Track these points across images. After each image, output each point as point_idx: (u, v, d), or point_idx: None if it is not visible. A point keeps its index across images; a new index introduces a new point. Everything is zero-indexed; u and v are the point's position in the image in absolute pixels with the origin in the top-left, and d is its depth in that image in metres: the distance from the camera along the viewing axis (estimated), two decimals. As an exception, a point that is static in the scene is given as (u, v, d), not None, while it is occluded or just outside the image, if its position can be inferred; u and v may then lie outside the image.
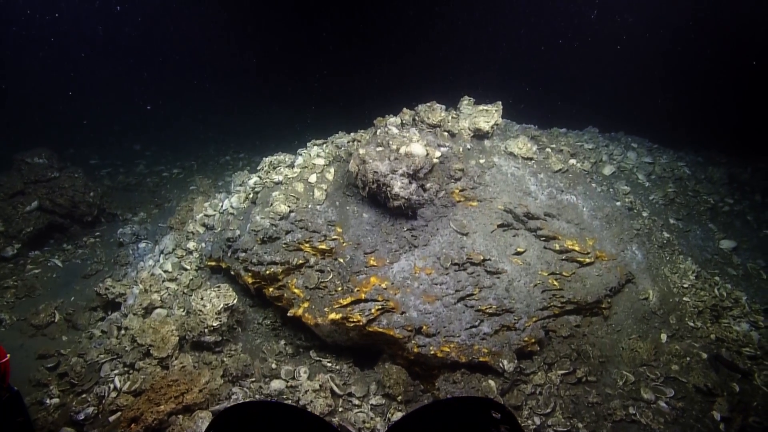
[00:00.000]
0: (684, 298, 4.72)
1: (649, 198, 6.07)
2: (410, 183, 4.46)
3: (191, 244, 5.48)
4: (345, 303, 4.37)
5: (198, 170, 10.10)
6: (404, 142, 4.55)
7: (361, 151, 4.55)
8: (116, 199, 8.06)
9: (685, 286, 4.81)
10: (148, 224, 7.01)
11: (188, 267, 5.28)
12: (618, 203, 5.55)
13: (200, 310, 4.39)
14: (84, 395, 3.80)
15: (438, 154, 4.63)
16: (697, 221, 6.04)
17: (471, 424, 1.38)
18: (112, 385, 3.82)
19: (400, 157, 4.43)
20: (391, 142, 4.56)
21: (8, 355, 2.74)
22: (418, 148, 4.46)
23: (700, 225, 5.98)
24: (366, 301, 4.38)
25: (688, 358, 4.21)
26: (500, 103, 5.50)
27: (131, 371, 3.99)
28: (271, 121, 14.43)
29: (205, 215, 5.63)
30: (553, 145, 6.05)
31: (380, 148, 4.56)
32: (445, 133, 5.18)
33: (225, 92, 17.10)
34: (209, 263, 5.35)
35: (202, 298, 4.46)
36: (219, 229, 5.33)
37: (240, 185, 5.88)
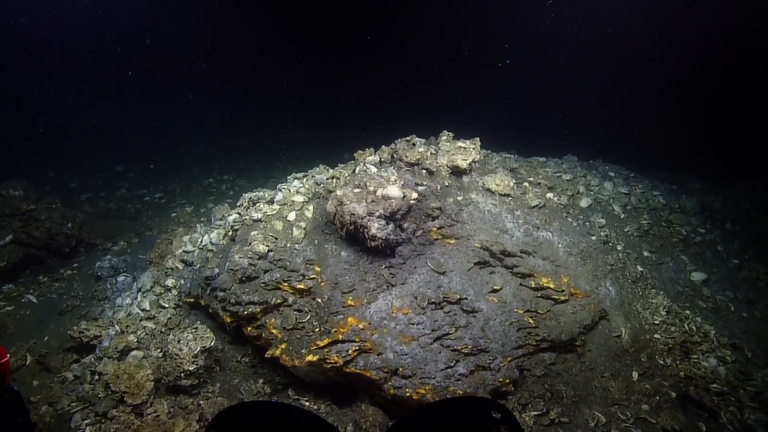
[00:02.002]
0: (655, 335, 4.84)
1: (624, 230, 6.22)
2: (387, 224, 4.52)
3: (170, 281, 5.45)
4: (322, 345, 4.39)
5: (181, 194, 10.04)
6: (382, 184, 4.62)
7: (339, 192, 4.60)
8: (96, 226, 7.96)
9: (656, 322, 4.93)
10: (127, 255, 6.94)
11: (167, 305, 5.24)
12: (593, 237, 5.68)
13: (177, 354, 4.36)
14: (53, 448, 3.73)
15: (415, 195, 4.70)
16: (670, 253, 6.21)
17: (471, 424, 1.39)
18: (82, 437, 3.76)
19: (377, 200, 4.50)
20: (368, 183, 4.63)
21: (8, 355, 2.73)
22: (395, 191, 4.53)
23: (673, 257, 6.15)
24: (343, 342, 4.40)
25: (657, 397, 4.31)
26: (478, 139, 5.61)
27: (103, 420, 3.93)
28: (256, 141, 14.46)
29: (185, 251, 5.61)
30: (531, 179, 6.18)
31: (358, 190, 4.62)
32: (424, 171, 5.27)
33: (210, 112, 17.08)
34: (188, 300, 5.32)
35: (179, 341, 4.43)
36: (198, 265, 5.32)
37: (220, 220, 5.88)
